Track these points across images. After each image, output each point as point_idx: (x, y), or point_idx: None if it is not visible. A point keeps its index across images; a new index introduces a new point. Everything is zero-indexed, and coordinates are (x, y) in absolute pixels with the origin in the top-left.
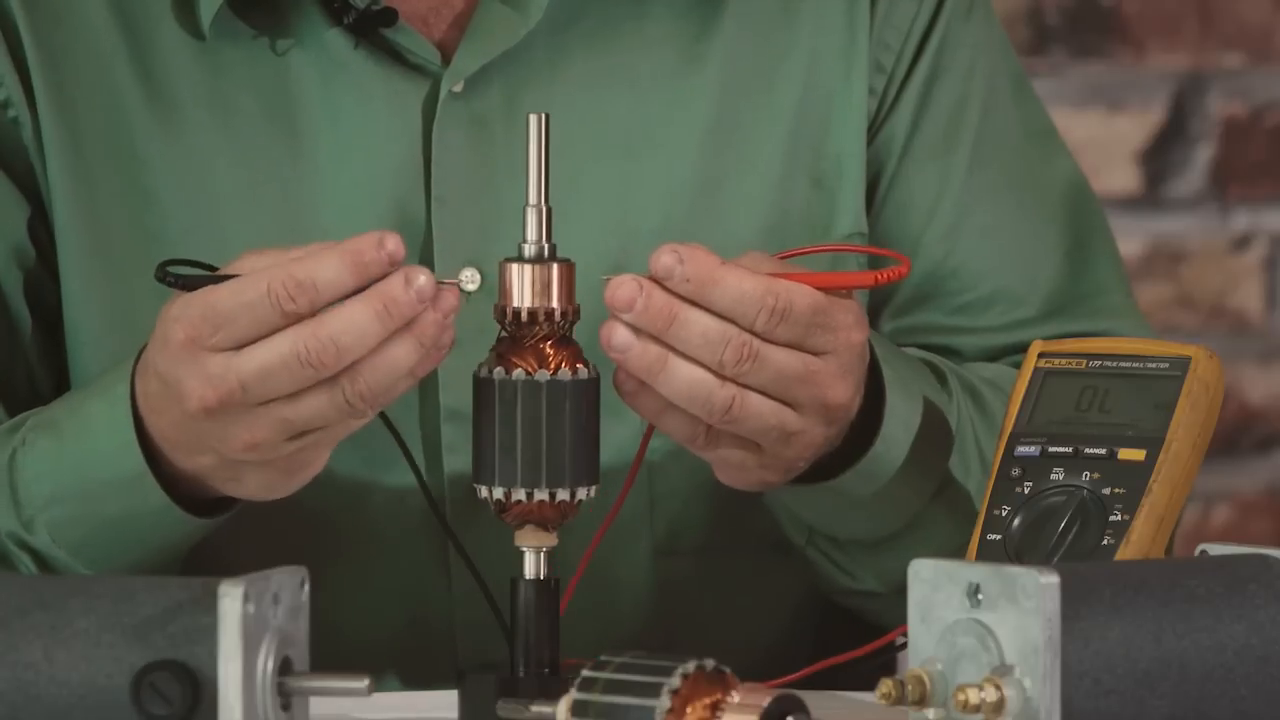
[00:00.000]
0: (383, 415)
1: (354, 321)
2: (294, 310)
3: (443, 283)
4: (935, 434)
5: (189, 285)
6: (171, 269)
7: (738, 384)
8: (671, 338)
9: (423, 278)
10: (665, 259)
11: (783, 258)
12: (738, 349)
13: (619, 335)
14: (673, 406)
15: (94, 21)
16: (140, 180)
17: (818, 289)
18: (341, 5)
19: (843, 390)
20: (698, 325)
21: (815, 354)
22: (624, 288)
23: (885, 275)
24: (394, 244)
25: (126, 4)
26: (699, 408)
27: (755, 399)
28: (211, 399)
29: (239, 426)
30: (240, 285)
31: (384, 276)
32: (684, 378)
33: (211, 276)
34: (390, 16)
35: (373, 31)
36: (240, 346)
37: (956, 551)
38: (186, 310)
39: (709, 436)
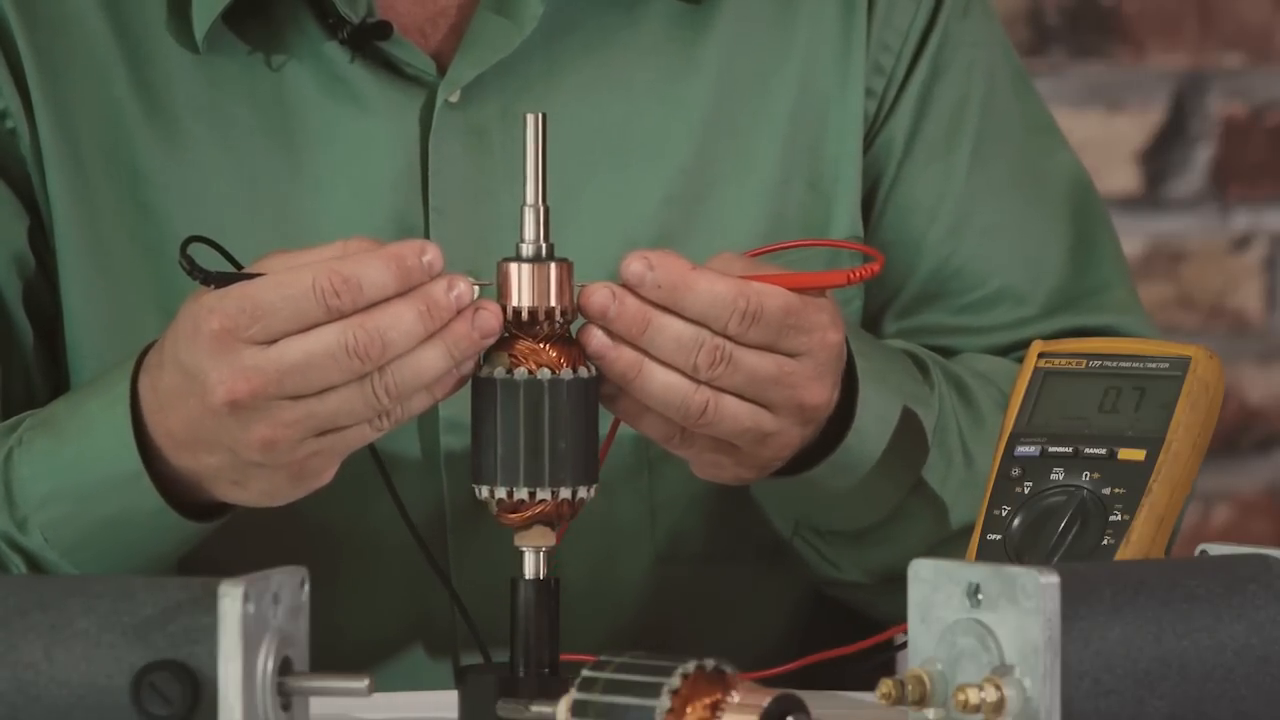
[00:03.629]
0: (370, 444)
1: (400, 317)
2: (337, 306)
3: (483, 302)
4: (914, 427)
5: (220, 282)
6: (199, 263)
7: (712, 387)
8: (645, 343)
9: (462, 284)
10: (635, 266)
11: (753, 255)
12: (710, 353)
13: (594, 341)
14: (649, 409)
15: (92, 32)
16: (139, 193)
17: (791, 290)
18: (336, 20)
19: (819, 391)
20: (670, 331)
21: (790, 355)
22: (597, 295)
23: (858, 273)
24: (434, 254)
25: (124, 14)
26: (674, 412)
27: (730, 402)
28: (242, 391)
29: (261, 423)
30: (283, 279)
31: (422, 284)
32: (659, 383)
33: (242, 274)
34: (385, 29)
35: (368, 44)
36: (273, 341)
37: (941, 543)
38: (222, 302)
39: (684, 437)
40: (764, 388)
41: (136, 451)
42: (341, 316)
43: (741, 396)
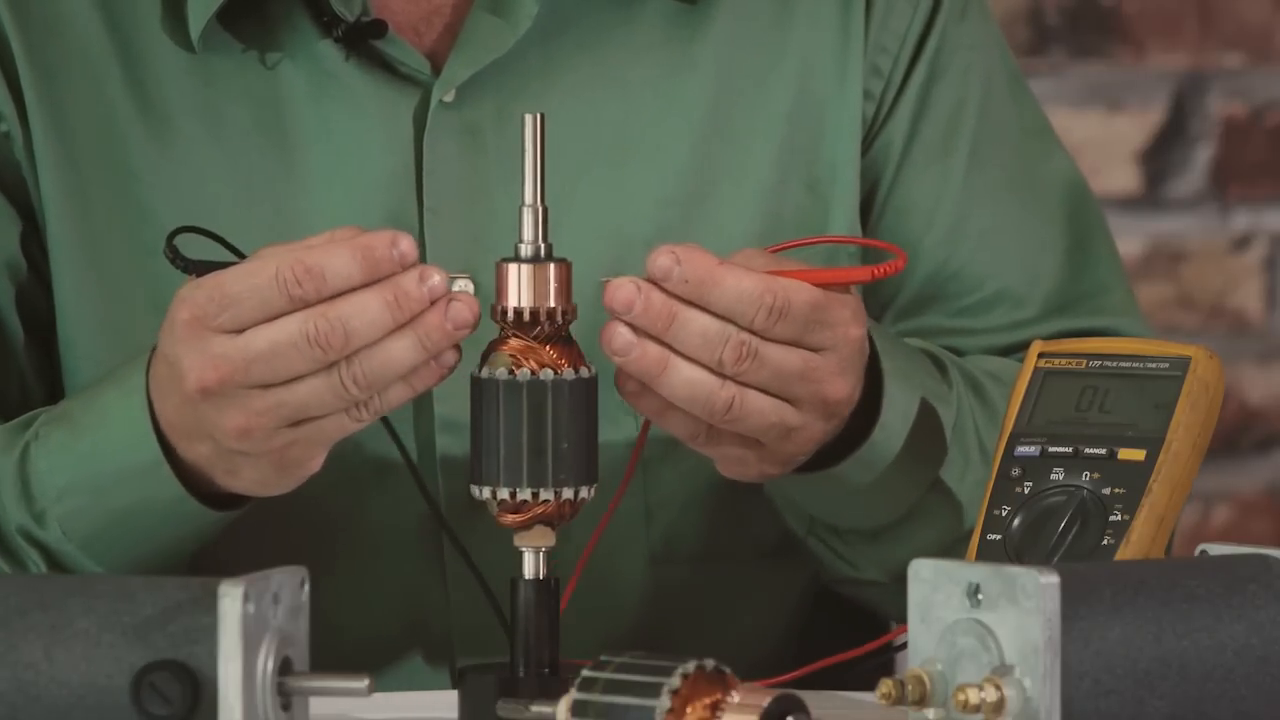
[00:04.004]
0: (385, 420)
1: (365, 307)
2: (300, 295)
3: (458, 294)
4: (933, 424)
5: (200, 270)
6: (183, 252)
7: (738, 383)
8: (671, 338)
9: (436, 277)
10: (663, 260)
11: (774, 251)
12: (737, 348)
13: (619, 337)
14: (674, 406)
15: (86, 33)
16: (133, 193)
17: (815, 285)
18: (331, 18)
19: (842, 386)
20: (697, 325)
21: (814, 350)
22: (623, 290)
23: (883, 270)
24: (406, 244)
25: (118, 15)
26: (699, 408)
27: (755, 397)
28: (211, 378)
29: (234, 410)
30: (249, 268)
31: (393, 274)
32: (684, 378)
33: (220, 264)
34: (380, 28)
35: (363, 43)
36: (243, 330)
37: (956, 541)
38: (194, 292)
39: (710, 434)
40: (789, 383)
41: (155, 441)
42: (306, 305)
43: (766, 391)
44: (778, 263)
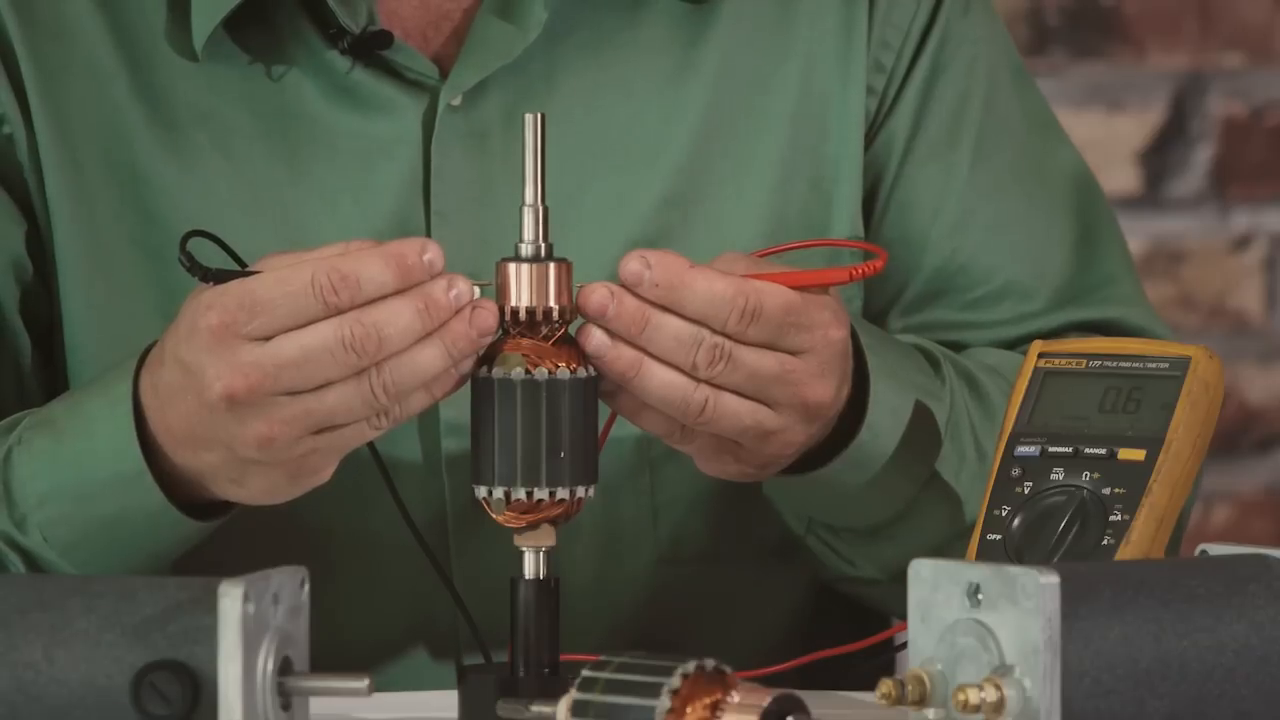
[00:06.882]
0: (370, 445)
1: (397, 314)
2: (335, 303)
3: (480, 300)
4: (926, 422)
5: (219, 279)
6: (199, 260)
7: (712, 385)
8: (644, 342)
9: (462, 284)
10: (633, 265)
11: (759, 256)
12: (709, 351)
13: (593, 340)
14: (649, 405)
15: (91, 39)
16: (140, 198)
17: (792, 288)
18: (337, 30)
19: (822, 389)
20: (669, 329)
21: (791, 353)
22: (595, 294)
23: (860, 270)
24: (434, 252)
25: (124, 21)
26: (674, 409)
27: (730, 400)
28: (239, 386)
29: (258, 420)
30: (282, 275)
31: (421, 282)
32: (658, 380)
33: (241, 272)
34: (386, 39)
35: (369, 53)
36: (270, 337)
37: (955, 537)
38: (221, 298)
39: (685, 432)
40: (765, 385)
41: (139, 451)
42: (340, 313)
43: (742, 394)
44: (759, 266)
